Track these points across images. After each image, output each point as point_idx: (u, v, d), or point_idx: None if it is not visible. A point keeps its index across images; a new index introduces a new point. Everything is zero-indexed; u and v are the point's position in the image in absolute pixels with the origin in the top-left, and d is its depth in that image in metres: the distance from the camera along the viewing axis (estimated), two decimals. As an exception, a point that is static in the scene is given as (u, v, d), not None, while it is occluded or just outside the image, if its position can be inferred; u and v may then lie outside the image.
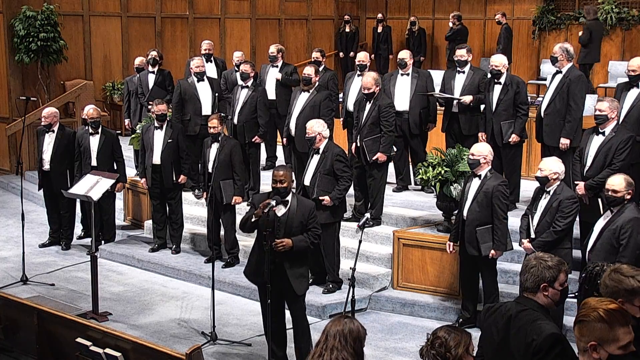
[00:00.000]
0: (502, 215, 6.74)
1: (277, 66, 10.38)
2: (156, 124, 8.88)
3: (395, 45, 16.25)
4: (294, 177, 6.51)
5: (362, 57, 9.58)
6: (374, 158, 8.10)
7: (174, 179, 8.89)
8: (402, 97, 9.05)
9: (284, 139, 9.18)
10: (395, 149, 8.34)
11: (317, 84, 8.87)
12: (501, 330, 3.86)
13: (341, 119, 9.70)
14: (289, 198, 6.10)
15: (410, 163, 9.36)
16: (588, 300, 3.36)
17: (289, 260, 6.03)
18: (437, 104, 9.15)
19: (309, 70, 8.81)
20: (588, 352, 3.20)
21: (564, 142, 7.80)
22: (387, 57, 15.99)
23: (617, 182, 6.03)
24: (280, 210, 6.05)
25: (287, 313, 6.38)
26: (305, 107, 8.72)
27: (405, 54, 9.18)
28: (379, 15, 16.00)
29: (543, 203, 6.51)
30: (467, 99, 8.70)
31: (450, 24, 14.75)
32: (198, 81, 9.76)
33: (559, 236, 6.39)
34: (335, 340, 3.74)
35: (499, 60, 8.38)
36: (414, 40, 15.26)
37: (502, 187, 6.79)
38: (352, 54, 15.79)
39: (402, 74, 9.11)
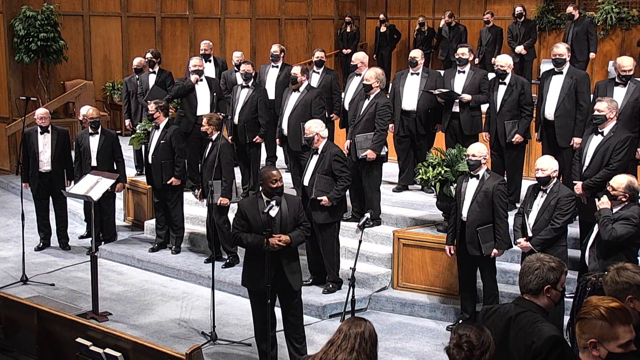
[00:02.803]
0: (504, 214, 6.78)
1: (277, 66, 10.39)
2: (155, 124, 8.89)
3: (398, 45, 16.25)
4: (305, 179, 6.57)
5: (354, 58, 9.50)
6: (362, 155, 8.09)
7: (163, 180, 8.82)
8: (410, 96, 9.05)
9: (278, 139, 9.20)
10: (386, 149, 8.31)
11: (305, 83, 8.88)
12: (500, 333, 3.85)
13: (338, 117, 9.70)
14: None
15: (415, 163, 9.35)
16: (590, 299, 3.36)
17: (285, 257, 6.09)
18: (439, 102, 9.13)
19: (295, 70, 8.88)
20: (588, 349, 3.20)
21: (578, 141, 7.76)
22: (390, 56, 15.95)
23: (618, 181, 6.09)
24: (274, 211, 6.05)
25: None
26: (297, 106, 8.76)
27: (416, 53, 9.16)
28: (381, 16, 15.98)
29: (540, 201, 6.53)
30: (467, 97, 8.70)
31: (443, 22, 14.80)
32: (197, 81, 9.76)
33: (557, 233, 6.44)
34: (356, 342, 3.68)
35: (504, 61, 8.38)
36: (423, 40, 15.19)
37: (502, 186, 6.83)
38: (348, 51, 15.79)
39: (412, 73, 9.10)
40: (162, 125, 8.85)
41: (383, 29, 15.81)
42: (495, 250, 6.79)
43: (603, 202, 6.12)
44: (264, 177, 6.11)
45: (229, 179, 8.25)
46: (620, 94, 7.68)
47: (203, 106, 9.74)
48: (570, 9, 12.77)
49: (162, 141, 8.79)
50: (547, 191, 6.49)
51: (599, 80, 13.35)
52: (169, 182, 8.81)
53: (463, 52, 8.87)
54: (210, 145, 8.24)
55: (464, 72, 8.87)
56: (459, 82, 8.85)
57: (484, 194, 6.76)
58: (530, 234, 6.53)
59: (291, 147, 8.81)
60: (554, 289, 3.86)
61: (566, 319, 6.50)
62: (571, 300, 6.81)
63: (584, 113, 7.89)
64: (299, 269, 6.31)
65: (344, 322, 3.82)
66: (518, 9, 13.37)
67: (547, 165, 6.48)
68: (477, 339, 3.43)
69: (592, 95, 8.19)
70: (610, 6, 13.66)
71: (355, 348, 3.67)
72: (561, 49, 8.05)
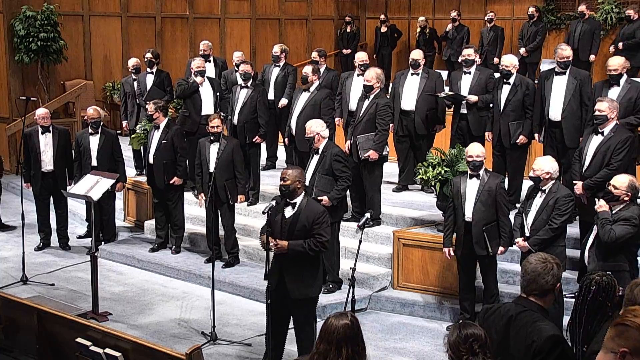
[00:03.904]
0: (507, 211, 6.82)
1: (279, 66, 10.40)
2: (154, 124, 8.89)
3: (398, 45, 16.23)
4: (305, 180, 6.34)
5: (363, 57, 9.57)
6: (364, 155, 8.09)
7: (165, 180, 8.83)
8: (409, 96, 9.06)
9: (286, 139, 9.20)
10: (387, 149, 8.33)
11: (316, 83, 8.89)
12: (501, 332, 3.86)
13: (338, 119, 9.63)
14: (297, 200, 5.98)
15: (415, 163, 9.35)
16: (637, 309, 3.30)
17: (288, 263, 5.96)
18: (445, 105, 9.13)
19: (307, 70, 8.87)
20: (615, 355, 3.13)
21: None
22: (390, 56, 15.93)
23: (620, 181, 6.08)
24: (288, 211, 6.01)
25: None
26: (306, 107, 8.75)
27: (417, 55, 9.17)
28: (382, 16, 15.96)
29: (538, 201, 6.53)
30: (473, 98, 8.71)
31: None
32: (202, 82, 9.78)
33: (555, 234, 6.43)
34: (348, 349, 3.68)
35: (509, 61, 8.36)
36: (424, 41, 15.16)
37: (503, 184, 6.90)
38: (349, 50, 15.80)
39: (412, 74, 9.12)
40: (162, 125, 8.84)
41: (384, 29, 15.78)
42: (501, 248, 6.80)
43: (601, 206, 6.11)
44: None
45: (245, 178, 8.45)
46: (614, 94, 7.68)
47: (207, 106, 9.76)
48: (582, 7, 12.77)
49: (163, 141, 8.78)
50: (546, 191, 6.49)
51: (597, 79, 13.43)
52: (171, 182, 8.82)
53: (469, 53, 8.87)
54: (218, 145, 8.21)
55: (469, 72, 8.87)
56: (466, 83, 8.85)
57: (487, 192, 6.76)
58: (528, 234, 6.54)
59: (298, 147, 8.81)
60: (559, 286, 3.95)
61: (566, 319, 6.51)
62: (571, 300, 6.86)
63: (590, 112, 7.89)
64: (306, 278, 5.97)
65: (328, 328, 3.73)
66: (531, 10, 13.41)
67: (539, 166, 6.48)
68: (481, 333, 3.45)
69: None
70: (610, 6, 13.66)
71: (350, 354, 3.67)
72: (568, 51, 8.05)
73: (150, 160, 8.90)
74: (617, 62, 7.73)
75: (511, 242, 6.85)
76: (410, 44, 15.97)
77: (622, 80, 7.72)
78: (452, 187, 7.11)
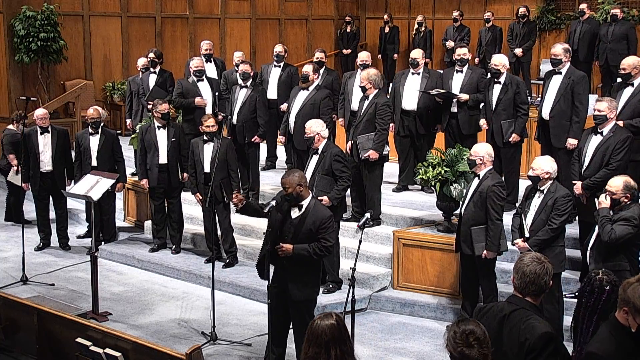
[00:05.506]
0: (495, 216, 6.63)
1: (279, 66, 10.39)
2: (159, 124, 8.85)
3: (401, 46, 16.23)
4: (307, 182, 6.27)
5: (365, 56, 9.56)
6: (365, 155, 8.10)
7: (180, 177, 8.95)
8: (410, 96, 9.07)
9: (282, 137, 9.21)
10: (387, 149, 8.33)
11: (316, 82, 8.90)
12: (494, 331, 3.87)
13: (340, 120, 9.62)
14: (304, 203, 5.93)
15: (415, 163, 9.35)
16: None
17: (292, 265, 5.95)
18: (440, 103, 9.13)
19: (307, 68, 8.87)
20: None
21: (572, 142, 7.75)
22: (394, 57, 15.92)
23: (614, 184, 6.07)
24: (295, 213, 5.98)
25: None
26: (305, 105, 8.75)
27: (417, 54, 9.19)
28: (385, 17, 15.93)
29: (537, 202, 6.50)
30: (464, 96, 8.73)
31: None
32: (198, 81, 9.79)
33: (555, 234, 6.39)
34: (337, 350, 3.66)
35: (498, 60, 8.39)
36: (419, 41, 15.15)
37: (497, 187, 6.66)
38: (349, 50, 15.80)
39: (412, 73, 9.14)
40: (167, 125, 8.86)
41: (387, 29, 15.71)
42: (484, 252, 6.70)
43: (602, 202, 6.12)
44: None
45: (239, 176, 8.52)
46: (628, 94, 7.64)
47: (208, 107, 9.79)
48: (583, 5, 12.72)
49: (172, 139, 8.82)
50: (545, 191, 6.47)
51: (598, 80, 13.43)
52: (183, 179, 8.94)
53: (464, 52, 8.89)
54: (213, 144, 8.22)
55: (461, 71, 8.89)
56: (457, 81, 8.88)
57: (479, 194, 6.71)
58: (527, 235, 6.52)
59: (296, 146, 8.82)
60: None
61: (566, 318, 6.51)
62: (571, 300, 6.86)
63: (580, 114, 7.85)
64: (309, 280, 5.97)
65: (315, 331, 3.71)
66: (521, 10, 13.39)
67: (538, 165, 6.47)
68: (478, 329, 3.45)
69: (596, 96, 8.16)
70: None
71: (339, 355, 3.65)
72: (557, 49, 8.04)
73: (164, 160, 8.81)
74: (627, 62, 7.68)
75: (498, 248, 6.71)
76: (409, 43, 15.95)
77: (637, 82, 7.65)
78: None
